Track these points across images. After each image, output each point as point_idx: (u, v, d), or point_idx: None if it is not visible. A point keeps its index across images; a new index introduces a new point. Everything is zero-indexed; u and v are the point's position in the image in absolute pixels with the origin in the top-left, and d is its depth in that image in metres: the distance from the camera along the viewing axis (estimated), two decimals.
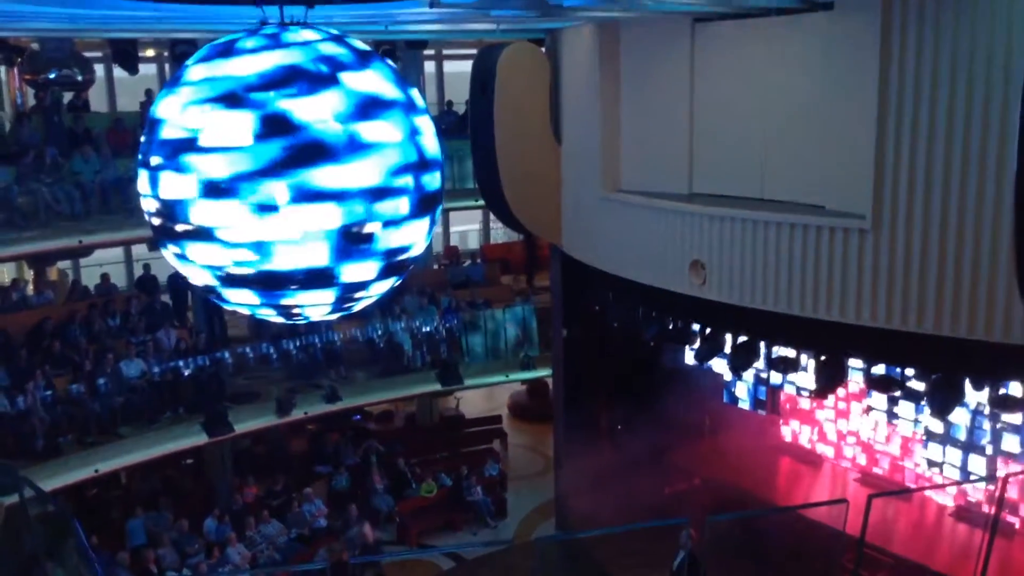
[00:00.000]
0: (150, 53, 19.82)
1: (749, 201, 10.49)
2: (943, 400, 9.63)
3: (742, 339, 11.28)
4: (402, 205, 4.65)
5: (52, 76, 17.07)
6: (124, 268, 21.74)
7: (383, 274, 5.05)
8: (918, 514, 12.54)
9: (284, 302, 5.09)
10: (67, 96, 17.43)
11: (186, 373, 14.79)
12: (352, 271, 4.80)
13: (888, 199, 8.78)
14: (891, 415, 12.79)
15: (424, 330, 16.97)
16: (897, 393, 11.06)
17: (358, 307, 5.43)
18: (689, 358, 13.57)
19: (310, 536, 14.70)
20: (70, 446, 13.37)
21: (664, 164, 11.52)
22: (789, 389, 13.54)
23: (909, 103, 8.52)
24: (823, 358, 10.51)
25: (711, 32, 10.90)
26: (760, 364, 11.72)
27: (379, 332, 16.63)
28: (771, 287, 9.85)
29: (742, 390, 14.04)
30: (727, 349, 11.63)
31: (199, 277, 5.00)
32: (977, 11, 7.96)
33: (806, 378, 12.28)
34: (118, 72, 18.92)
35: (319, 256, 4.57)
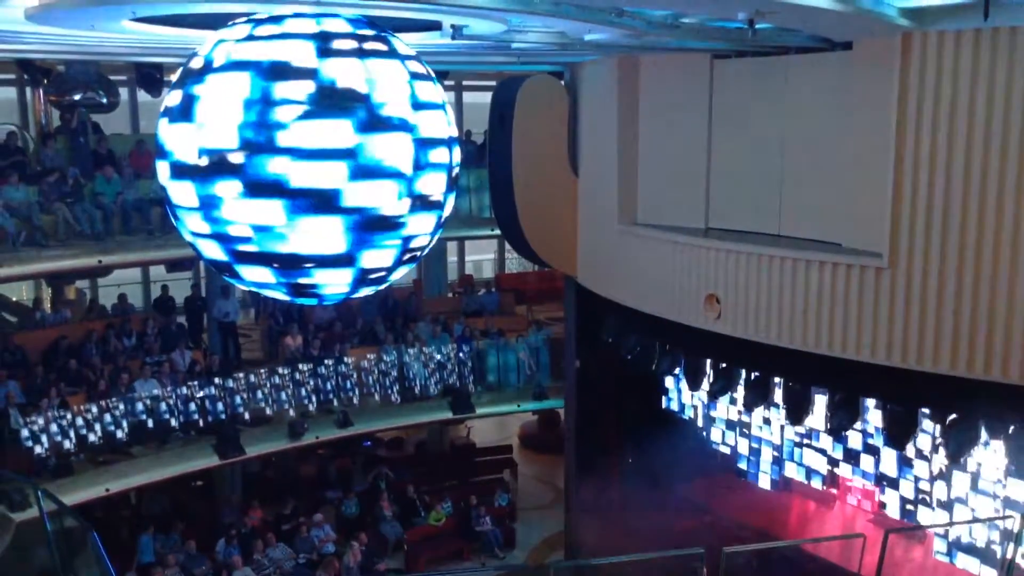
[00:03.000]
0: (175, 77, 20.06)
1: (765, 237, 10.51)
2: (959, 442, 9.54)
3: (756, 375, 11.24)
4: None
5: (77, 98, 17.27)
6: (141, 289, 21.88)
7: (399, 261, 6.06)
8: (931, 555, 12.38)
9: (301, 281, 5.90)
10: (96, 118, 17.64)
11: (199, 395, 14.84)
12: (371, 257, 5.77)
13: (905, 237, 8.78)
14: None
15: (437, 358, 16.99)
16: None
17: (371, 291, 6.13)
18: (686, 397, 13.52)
19: (318, 561, 14.66)
20: (81, 464, 13.41)
21: (681, 198, 11.55)
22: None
23: (926, 142, 8.55)
24: (837, 397, 10.46)
25: (730, 69, 10.97)
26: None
27: (392, 358, 16.65)
28: (786, 323, 9.84)
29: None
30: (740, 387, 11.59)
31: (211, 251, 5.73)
32: (996, 50, 8.00)
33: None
34: (142, 95, 19.14)
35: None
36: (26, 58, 16.35)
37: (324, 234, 5.63)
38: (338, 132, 5.22)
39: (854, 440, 12.10)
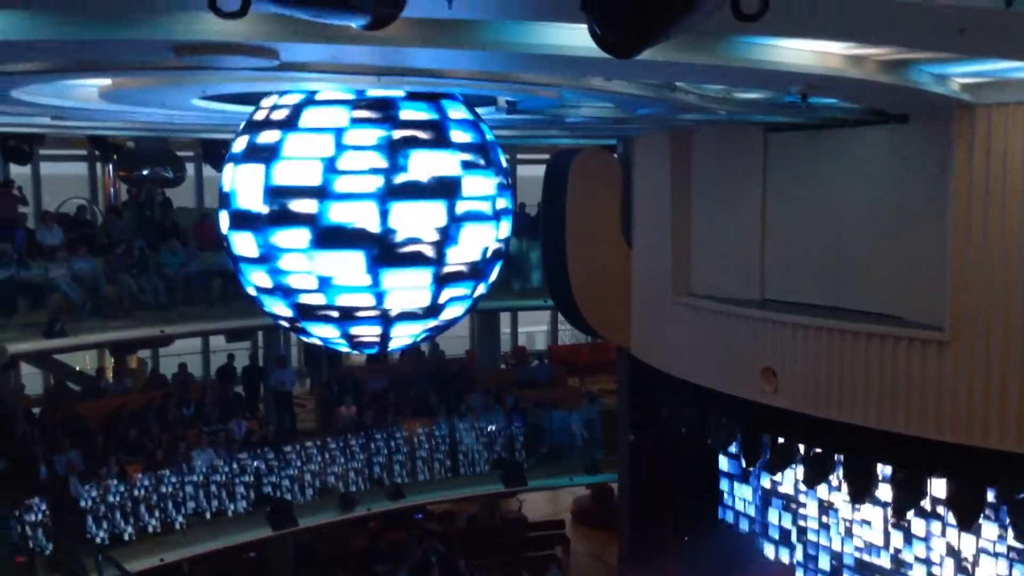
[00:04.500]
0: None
1: (823, 309, 10.37)
2: None
3: (816, 451, 10.98)
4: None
5: (145, 173, 17.90)
6: (201, 359, 22.27)
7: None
8: None
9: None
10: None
11: (254, 465, 14.94)
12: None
13: (967, 310, 8.61)
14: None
15: (489, 429, 16.91)
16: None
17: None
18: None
19: None
20: (136, 533, 13.51)
21: (736, 269, 11.50)
22: None
23: (986, 214, 8.44)
24: (901, 475, 10.16)
25: (783, 141, 10.99)
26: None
27: (444, 430, 16.62)
28: (847, 398, 9.64)
29: None
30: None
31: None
32: None
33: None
34: (207, 170, 19.79)
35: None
36: (98, 135, 17.04)
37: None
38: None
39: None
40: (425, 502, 17.24)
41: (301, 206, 7.30)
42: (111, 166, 19.31)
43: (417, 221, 7.32)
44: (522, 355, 22.70)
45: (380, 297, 7.51)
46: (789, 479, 13.02)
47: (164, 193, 18.17)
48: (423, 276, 7.48)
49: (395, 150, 7.29)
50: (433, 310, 7.77)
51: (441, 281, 7.53)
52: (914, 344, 9.05)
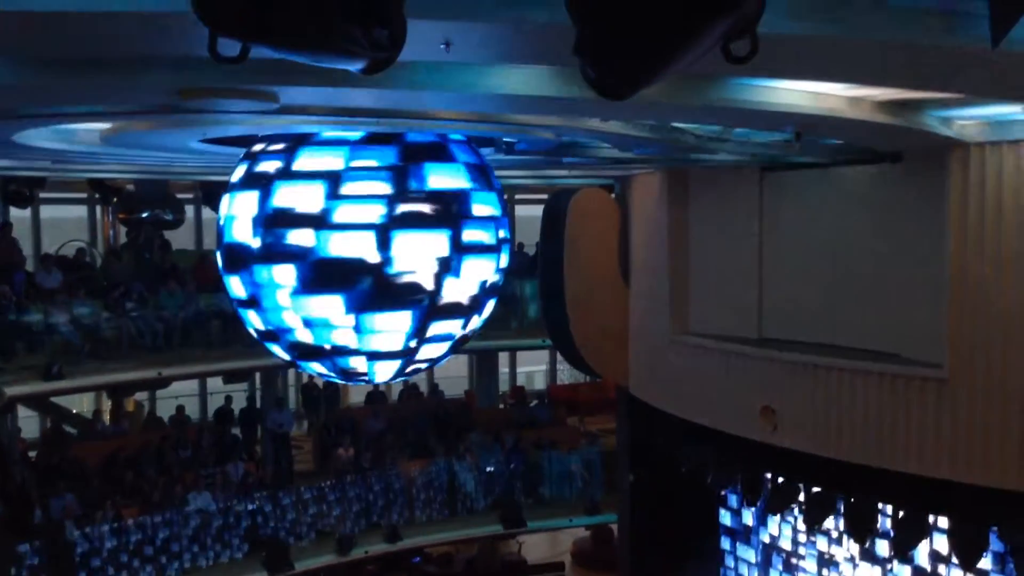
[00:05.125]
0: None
1: (821, 347, 10.37)
2: None
3: (816, 490, 10.92)
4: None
5: (145, 216, 17.98)
6: (198, 401, 22.19)
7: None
8: None
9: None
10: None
11: (250, 508, 14.83)
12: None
13: (966, 347, 8.61)
14: None
15: (488, 470, 16.81)
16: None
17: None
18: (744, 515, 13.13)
19: None
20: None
21: (733, 308, 11.51)
22: None
23: (983, 250, 8.46)
24: (902, 514, 10.09)
25: (779, 180, 11.07)
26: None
27: (443, 471, 16.53)
28: (846, 436, 9.60)
29: None
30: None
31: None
32: None
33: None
34: (206, 212, 19.89)
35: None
36: (98, 178, 17.14)
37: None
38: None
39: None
40: (423, 544, 17.08)
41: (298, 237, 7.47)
42: (111, 209, 19.40)
43: (418, 251, 7.46)
44: (521, 395, 22.63)
45: (362, 337, 7.65)
46: (787, 534, 12.88)
47: (163, 235, 18.24)
48: (404, 318, 7.60)
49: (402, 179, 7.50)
50: (410, 351, 7.95)
51: (429, 317, 7.68)
52: (913, 382, 9.04)
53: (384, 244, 7.39)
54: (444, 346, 8.10)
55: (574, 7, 2.32)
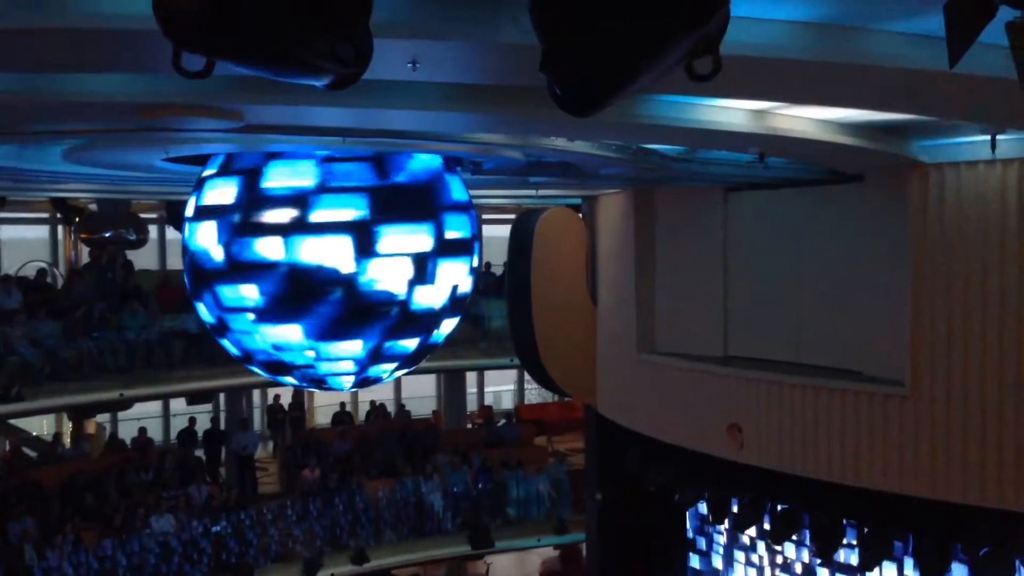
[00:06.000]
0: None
1: (785, 365, 10.46)
2: None
3: (782, 507, 10.98)
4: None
5: (108, 235, 17.78)
6: (161, 422, 21.89)
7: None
8: None
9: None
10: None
11: (214, 530, 14.63)
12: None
13: (927, 364, 8.72)
14: None
15: (456, 490, 16.73)
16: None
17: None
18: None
19: None
20: None
21: (699, 327, 11.59)
22: None
23: (943, 270, 8.60)
24: (867, 530, 10.18)
25: (743, 200, 11.20)
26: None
27: (410, 491, 16.41)
28: (810, 453, 9.68)
29: None
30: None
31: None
32: (1004, 179, 8.15)
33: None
34: (170, 232, 19.71)
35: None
36: (60, 197, 16.94)
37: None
38: None
39: None
40: (390, 565, 16.92)
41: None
42: (73, 228, 19.16)
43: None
44: (489, 414, 22.59)
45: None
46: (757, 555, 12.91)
47: (126, 255, 18.04)
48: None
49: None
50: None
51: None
52: (875, 398, 9.14)
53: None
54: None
55: (540, 25, 2.34)
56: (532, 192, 12.84)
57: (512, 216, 16.00)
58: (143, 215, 18.85)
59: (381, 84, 5.05)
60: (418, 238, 7.83)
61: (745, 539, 12.94)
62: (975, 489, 8.45)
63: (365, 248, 7.58)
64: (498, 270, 18.99)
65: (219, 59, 2.42)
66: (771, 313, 10.81)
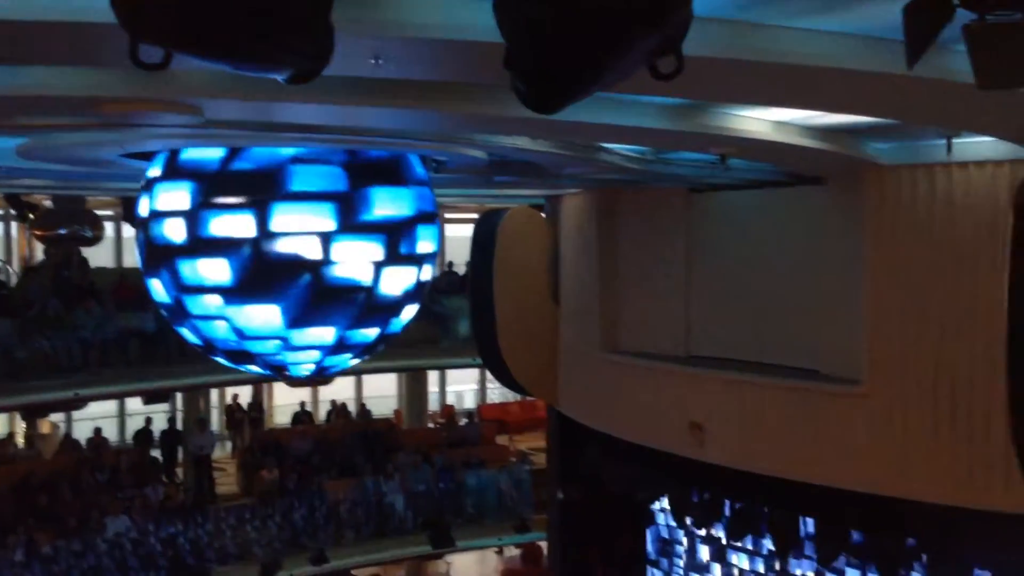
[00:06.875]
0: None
1: (746, 364, 10.56)
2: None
3: (741, 505, 11.09)
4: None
5: (63, 232, 17.47)
6: (116, 422, 21.55)
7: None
8: None
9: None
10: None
11: (170, 530, 14.43)
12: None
13: (883, 363, 8.85)
14: None
15: (417, 490, 16.66)
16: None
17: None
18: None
19: None
20: None
21: (661, 326, 11.66)
22: None
23: (898, 269, 8.73)
24: (824, 526, 10.30)
25: (706, 200, 11.29)
26: None
27: (371, 491, 16.32)
28: (770, 451, 9.77)
29: None
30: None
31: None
32: (958, 181, 8.29)
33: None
34: (127, 230, 19.41)
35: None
36: (14, 193, 16.61)
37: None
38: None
39: None
40: (350, 566, 16.82)
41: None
42: (27, 225, 18.80)
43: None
44: (450, 414, 22.54)
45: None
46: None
47: (81, 252, 17.73)
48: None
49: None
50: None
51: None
52: (832, 397, 9.26)
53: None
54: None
55: (504, 23, 2.33)
56: (495, 191, 12.83)
57: (475, 216, 15.98)
58: (99, 212, 18.55)
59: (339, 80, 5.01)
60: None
61: (705, 546, 13.02)
62: (930, 486, 8.58)
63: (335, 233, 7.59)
64: (461, 269, 18.96)
65: (177, 51, 2.38)
66: (733, 313, 10.91)
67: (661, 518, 13.94)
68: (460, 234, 20.92)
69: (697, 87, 5.04)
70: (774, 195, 10.46)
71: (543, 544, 17.09)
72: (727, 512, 11.48)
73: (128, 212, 17.35)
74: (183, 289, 7.79)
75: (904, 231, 8.68)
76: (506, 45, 2.36)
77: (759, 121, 7.01)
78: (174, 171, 7.88)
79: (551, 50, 2.28)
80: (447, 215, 23.49)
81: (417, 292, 8.44)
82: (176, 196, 7.73)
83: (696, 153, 8.55)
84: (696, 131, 6.63)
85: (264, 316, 7.66)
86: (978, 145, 7.93)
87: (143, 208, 8.20)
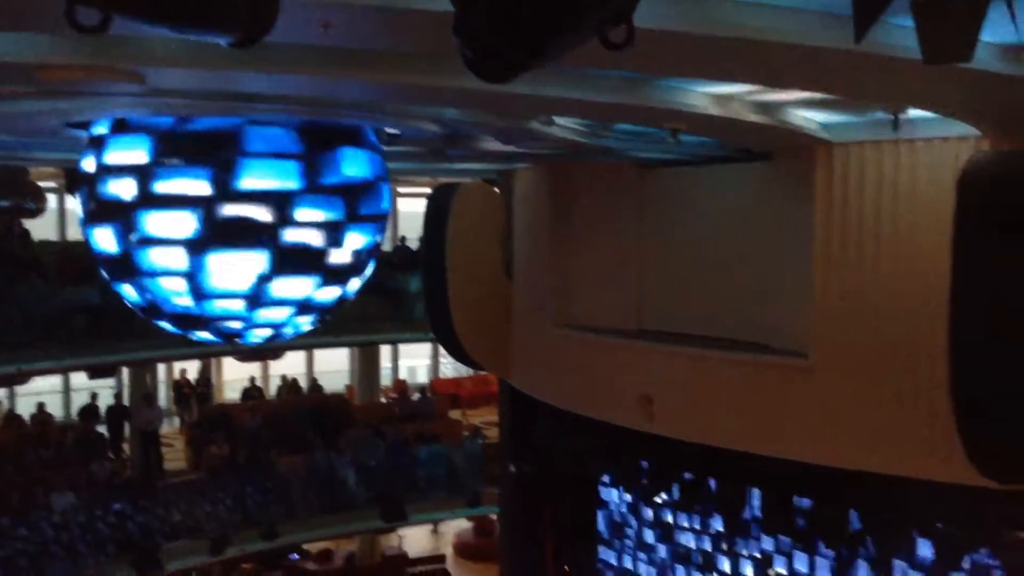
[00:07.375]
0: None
1: (696, 338, 10.67)
2: (888, 548, 9.58)
3: (689, 476, 11.23)
4: None
5: (4, 204, 17.02)
6: (61, 398, 21.16)
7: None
8: None
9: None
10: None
11: (117, 507, 14.24)
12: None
13: (830, 338, 8.99)
14: None
15: (369, 464, 16.63)
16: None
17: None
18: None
19: None
20: None
21: (613, 300, 11.72)
22: None
23: (846, 245, 8.85)
24: (771, 497, 10.48)
25: (657, 176, 11.33)
26: None
27: (322, 465, 16.26)
28: (718, 423, 9.91)
29: None
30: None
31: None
32: (906, 158, 8.41)
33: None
34: (70, 201, 18.95)
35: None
36: None
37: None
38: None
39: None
40: (301, 541, 16.79)
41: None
42: None
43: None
44: (403, 389, 22.50)
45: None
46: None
47: (23, 225, 17.29)
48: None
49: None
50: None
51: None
52: (781, 370, 9.40)
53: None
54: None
55: None
56: (447, 165, 12.75)
57: (428, 190, 15.88)
58: (41, 183, 18.09)
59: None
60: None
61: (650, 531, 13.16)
62: (874, 457, 8.77)
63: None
64: (413, 244, 18.86)
65: (115, 13, 2.30)
66: (684, 287, 11.00)
67: (614, 495, 14.08)
68: (413, 209, 20.81)
69: (648, 60, 5.03)
70: (725, 171, 10.54)
71: (495, 517, 17.19)
72: (676, 485, 11.62)
73: (72, 183, 16.96)
74: (142, 242, 7.54)
75: (851, 208, 8.80)
76: (455, 11, 2.33)
77: (704, 96, 7.03)
78: (126, 127, 7.69)
79: (501, 17, 2.25)
80: (400, 189, 23.33)
81: (375, 251, 8.59)
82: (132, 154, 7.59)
83: (647, 127, 8.56)
84: (640, 103, 6.63)
85: (237, 270, 7.54)
86: (927, 123, 8.03)
87: (88, 165, 7.98)
